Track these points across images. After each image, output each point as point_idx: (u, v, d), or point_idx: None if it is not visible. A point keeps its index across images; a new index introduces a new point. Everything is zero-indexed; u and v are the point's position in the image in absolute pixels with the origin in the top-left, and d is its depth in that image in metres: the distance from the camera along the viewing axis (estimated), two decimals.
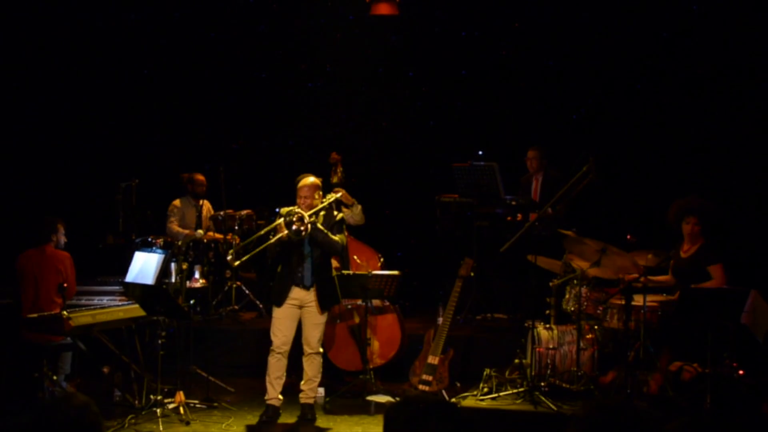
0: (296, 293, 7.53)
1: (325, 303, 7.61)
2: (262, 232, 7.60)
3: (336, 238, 7.52)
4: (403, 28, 11.29)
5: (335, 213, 7.72)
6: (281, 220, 7.35)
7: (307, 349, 7.62)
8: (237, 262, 7.61)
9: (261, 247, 7.48)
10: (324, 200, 7.65)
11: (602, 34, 10.61)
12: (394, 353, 8.67)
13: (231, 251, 7.77)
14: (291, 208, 7.51)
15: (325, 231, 7.46)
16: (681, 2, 10.42)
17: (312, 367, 7.63)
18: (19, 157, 10.85)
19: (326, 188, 8.90)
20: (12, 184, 10.68)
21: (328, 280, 7.67)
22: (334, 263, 8.52)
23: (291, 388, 7.96)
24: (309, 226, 7.29)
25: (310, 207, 7.45)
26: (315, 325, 7.59)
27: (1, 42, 10.73)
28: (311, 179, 7.60)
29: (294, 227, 7.27)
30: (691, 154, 10.09)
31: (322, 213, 7.56)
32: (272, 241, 7.40)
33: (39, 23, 10.92)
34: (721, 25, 10.06)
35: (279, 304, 7.56)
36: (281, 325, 7.54)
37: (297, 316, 7.58)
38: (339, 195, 7.95)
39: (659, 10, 10.36)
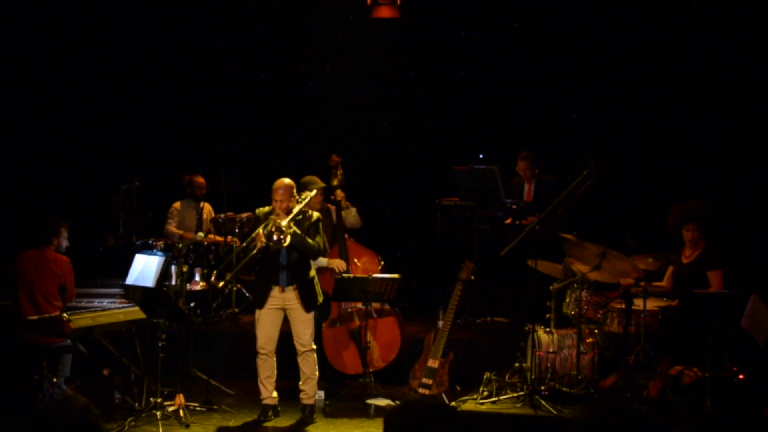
0: (276, 293, 7.58)
1: (307, 304, 7.63)
2: (243, 244, 7.66)
3: (312, 242, 7.53)
4: (403, 29, 11.27)
5: (311, 213, 7.70)
6: (259, 230, 7.38)
7: (299, 347, 7.65)
8: (221, 283, 7.69)
9: (244, 261, 7.53)
10: (300, 200, 7.63)
11: (602, 34, 10.60)
12: (394, 356, 8.65)
13: (214, 272, 7.81)
14: (268, 209, 7.53)
15: (303, 236, 7.47)
16: (681, 2, 10.41)
17: (308, 364, 7.65)
18: (20, 158, 10.83)
19: (326, 191, 8.92)
20: (13, 185, 10.67)
21: (307, 281, 7.69)
22: (340, 263, 8.54)
23: (291, 390, 7.98)
24: (288, 236, 7.32)
25: (286, 210, 7.45)
26: (303, 321, 7.62)
27: (2, 43, 10.70)
28: (286, 181, 7.58)
29: (274, 237, 7.30)
30: (691, 157, 10.08)
31: (298, 217, 7.56)
32: (254, 252, 7.45)
33: (39, 24, 10.90)
34: (721, 25, 10.05)
35: (260, 306, 7.64)
36: (263, 325, 7.61)
37: (279, 316, 7.64)
38: (313, 195, 7.91)
39: (659, 10, 10.34)
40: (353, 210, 9.06)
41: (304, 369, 7.67)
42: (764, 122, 9.85)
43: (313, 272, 7.83)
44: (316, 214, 7.71)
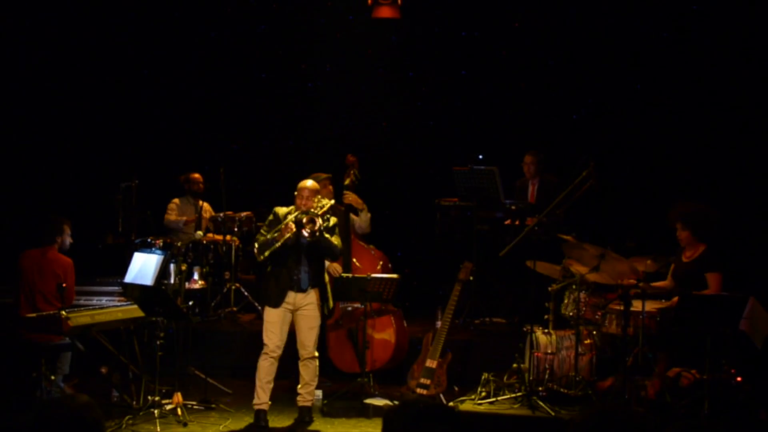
0: (291, 297, 7.49)
1: (323, 306, 7.64)
2: (268, 235, 7.42)
3: (335, 243, 7.53)
4: (403, 28, 11.27)
5: (328, 216, 7.67)
6: (291, 218, 7.31)
7: (303, 353, 7.57)
8: (262, 257, 7.46)
9: (277, 245, 7.36)
10: (321, 205, 7.57)
11: (602, 34, 10.61)
12: (388, 357, 8.61)
13: (256, 244, 7.56)
14: (290, 208, 7.50)
15: (327, 235, 7.46)
16: (681, 2, 10.42)
17: (308, 371, 7.59)
18: (20, 157, 10.83)
19: (338, 189, 8.90)
20: (13, 184, 10.67)
21: (324, 283, 7.68)
22: (336, 266, 8.51)
23: (289, 389, 7.99)
24: (320, 231, 7.30)
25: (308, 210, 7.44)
26: (311, 328, 7.56)
27: (2, 43, 10.70)
28: (311, 182, 7.58)
29: (306, 230, 7.26)
30: (691, 158, 10.08)
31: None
32: (280, 241, 7.32)
33: (40, 23, 10.90)
34: (721, 25, 10.06)
35: (276, 305, 7.46)
36: (275, 328, 7.47)
37: (289, 319, 7.54)
38: (331, 203, 7.84)
39: (659, 10, 10.35)
40: (368, 215, 9.00)
41: (304, 375, 7.59)
42: (765, 123, 9.84)
43: (327, 276, 7.83)
44: (333, 219, 7.68)
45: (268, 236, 7.38)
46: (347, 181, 8.91)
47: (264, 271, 7.65)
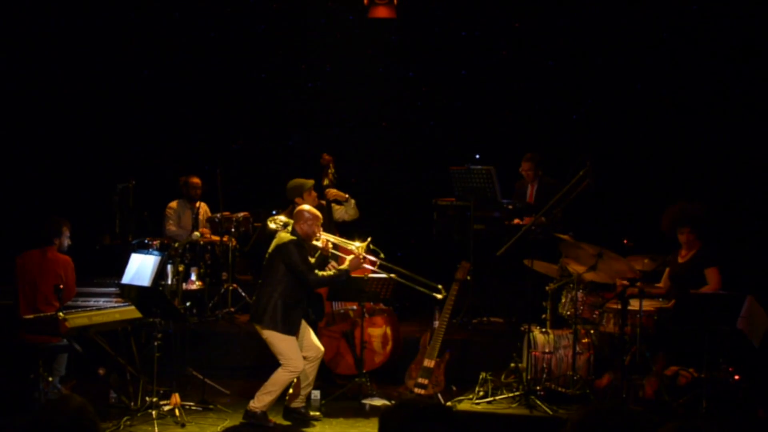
0: None
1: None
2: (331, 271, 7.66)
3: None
4: (403, 28, 11.27)
5: None
6: (361, 249, 7.67)
7: (315, 354, 7.60)
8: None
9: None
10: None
11: (602, 34, 10.59)
12: (386, 356, 8.62)
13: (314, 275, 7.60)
14: (290, 235, 7.50)
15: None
16: (681, 2, 10.40)
17: (315, 371, 7.64)
18: (17, 158, 10.83)
19: (318, 189, 8.89)
20: (10, 185, 10.67)
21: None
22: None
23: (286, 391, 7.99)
24: None
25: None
26: (305, 328, 7.63)
27: (1, 43, 10.72)
28: (311, 207, 7.74)
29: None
30: (689, 158, 10.06)
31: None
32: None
33: (39, 23, 10.90)
34: (721, 26, 10.04)
35: (297, 333, 7.51)
36: (297, 347, 7.47)
37: None
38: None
39: (659, 10, 10.33)
40: (352, 201, 9.00)
41: (309, 374, 7.59)
42: (762, 123, 9.82)
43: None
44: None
45: (331, 273, 7.57)
46: (326, 181, 8.95)
47: (287, 299, 7.49)
